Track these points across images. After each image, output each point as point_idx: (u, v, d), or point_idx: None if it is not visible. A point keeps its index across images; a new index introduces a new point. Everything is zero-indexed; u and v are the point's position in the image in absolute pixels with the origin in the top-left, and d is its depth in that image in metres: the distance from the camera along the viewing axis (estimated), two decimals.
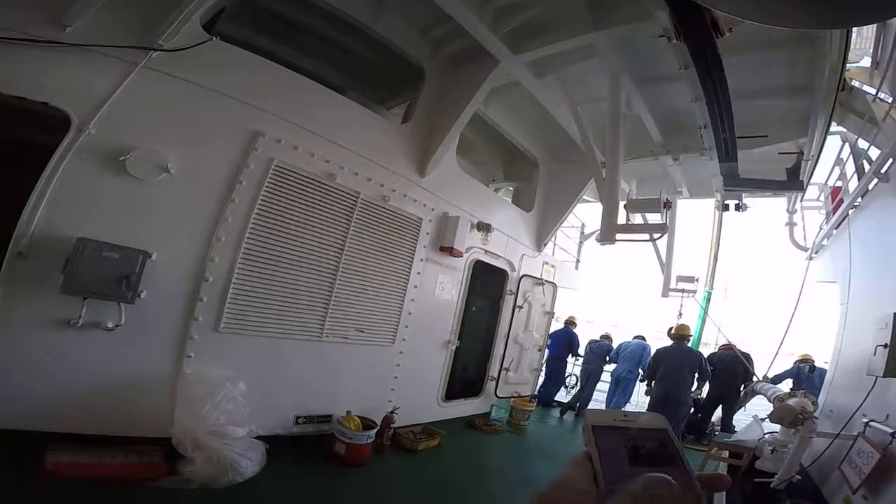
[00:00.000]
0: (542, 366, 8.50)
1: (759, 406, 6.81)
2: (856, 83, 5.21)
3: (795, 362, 8.15)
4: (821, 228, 7.24)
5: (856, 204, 5.28)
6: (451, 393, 6.48)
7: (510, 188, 9.02)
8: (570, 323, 9.62)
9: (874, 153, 4.96)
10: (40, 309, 3.23)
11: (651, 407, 7.26)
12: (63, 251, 3.19)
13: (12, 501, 2.79)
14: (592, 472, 0.48)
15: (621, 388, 8.70)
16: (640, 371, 8.52)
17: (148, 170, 3.57)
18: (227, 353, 4.03)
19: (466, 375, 6.87)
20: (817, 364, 7.86)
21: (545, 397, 8.99)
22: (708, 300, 10.30)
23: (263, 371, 4.25)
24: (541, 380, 8.76)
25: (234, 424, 3.58)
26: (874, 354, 3.25)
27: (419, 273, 5.67)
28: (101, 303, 3.36)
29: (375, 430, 4.69)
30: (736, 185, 6.48)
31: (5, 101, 3.12)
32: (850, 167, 5.87)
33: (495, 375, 7.23)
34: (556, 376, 9.40)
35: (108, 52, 3.40)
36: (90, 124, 3.33)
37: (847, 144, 5.96)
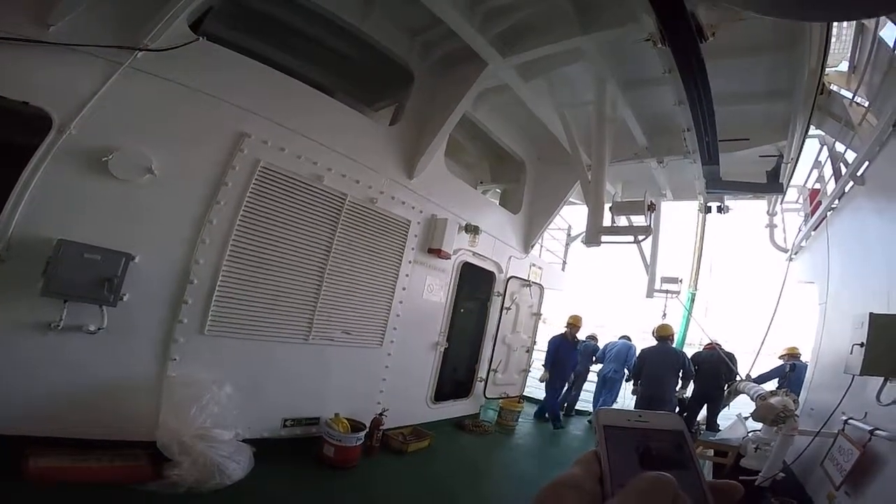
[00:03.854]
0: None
1: (742, 405, 6.92)
2: (834, 87, 5.35)
3: (782, 356, 8.16)
4: (800, 230, 7.39)
5: (833, 206, 5.41)
6: (441, 394, 6.48)
7: (498, 190, 9.07)
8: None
9: (850, 156, 5.08)
10: (20, 312, 3.16)
11: (636, 406, 7.33)
12: (43, 253, 3.13)
13: None
14: (599, 473, 0.46)
15: (608, 388, 8.77)
16: (626, 371, 8.60)
17: (131, 171, 3.52)
18: (212, 356, 3.98)
19: (455, 377, 6.88)
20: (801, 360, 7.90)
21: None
22: (692, 301, 10.46)
23: (250, 374, 4.20)
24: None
25: (220, 427, 3.55)
26: (851, 353, 3.32)
27: (407, 275, 5.66)
28: (83, 305, 3.29)
29: (364, 432, 4.67)
30: (718, 187, 6.59)
31: None
32: (828, 170, 5.99)
33: (484, 376, 7.24)
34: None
35: (92, 52, 3.34)
36: (72, 124, 3.27)
37: (825, 147, 6.10)
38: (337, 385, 4.94)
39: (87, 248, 3.24)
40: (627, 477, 0.43)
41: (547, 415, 8.17)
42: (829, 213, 5.61)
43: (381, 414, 5.07)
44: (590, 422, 8.36)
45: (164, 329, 3.76)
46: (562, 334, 8.44)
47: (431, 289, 6.16)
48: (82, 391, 3.40)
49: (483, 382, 7.23)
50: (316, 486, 4.03)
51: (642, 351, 7.77)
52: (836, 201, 5.28)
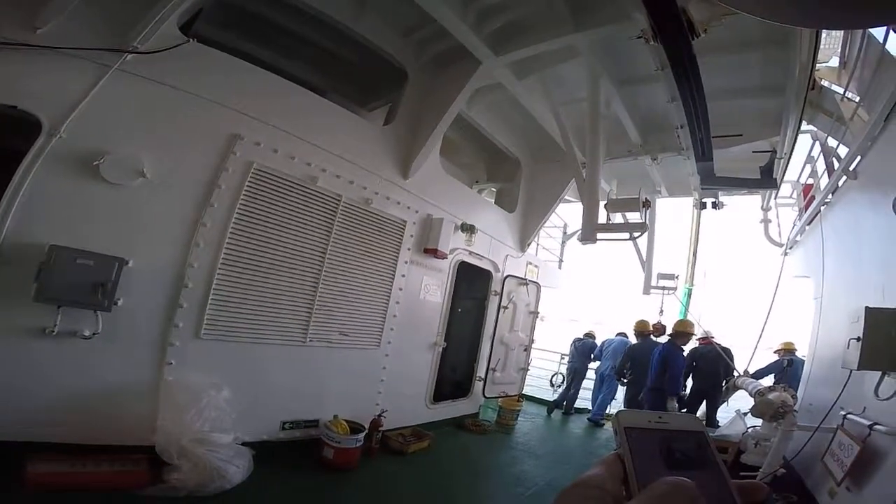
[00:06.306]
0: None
1: (741, 400, 6.93)
2: (825, 83, 5.37)
3: (777, 351, 8.16)
4: (794, 225, 7.43)
5: (827, 200, 5.43)
6: (440, 394, 6.46)
7: (493, 189, 9.05)
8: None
9: (843, 151, 5.11)
10: (13, 318, 3.12)
11: (626, 402, 7.46)
12: (36, 258, 3.10)
13: None
14: (622, 474, 0.46)
15: (606, 385, 8.79)
16: None
17: (123, 174, 3.48)
18: (209, 360, 3.95)
19: (454, 376, 6.86)
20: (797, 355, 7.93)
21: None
22: (688, 297, 10.47)
23: (247, 377, 4.17)
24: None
25: (218, 431, 3.53)
26: (847, 348, 3.32)
27: (404, 275, 5.64)
28: (78, 311, 3.26)
29: (364, 434, 4.64)
30: (712, 183, 6.61)
31: None
32: (821, 165, 6.03)
33: (482, 376, 7.23)
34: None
35: (81, 55, 3.30)
36: (61, 128, 3.23)
37: (817, 143, 6.13)
38: (335, 387, 4.92)
39: (79, 254, 3.21)
40: (652, 477, 0.43)
41: None
42: (822, 208, 5.64)
43: (380, 415, 5.05)
44: (589, 419, 8.38)
45: (160, 333, 3.72)
46: (669, 344, 7.26)
47: (428, 289, 6.14)
48: (79, 396, 3.37)
49: (482, 382, 7.22)
50: (316, 489, 4.01)
51: (629, 347, 8.13)
52: (830, 196, 5.31)
